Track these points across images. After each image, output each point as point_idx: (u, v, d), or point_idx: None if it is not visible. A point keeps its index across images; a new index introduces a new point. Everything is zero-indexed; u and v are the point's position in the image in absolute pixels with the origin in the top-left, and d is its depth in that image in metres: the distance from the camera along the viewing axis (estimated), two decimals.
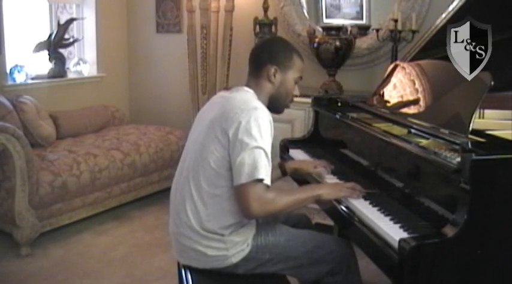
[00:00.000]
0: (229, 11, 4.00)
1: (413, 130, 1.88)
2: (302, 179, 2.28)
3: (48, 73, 4.20)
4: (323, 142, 2.61)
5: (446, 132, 1.73)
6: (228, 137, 1.73)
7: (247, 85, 1.93)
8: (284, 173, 2.22)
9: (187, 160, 1.88)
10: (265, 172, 1.69)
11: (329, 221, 2.98)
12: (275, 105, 1.95)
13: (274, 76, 1.90)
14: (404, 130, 1.92)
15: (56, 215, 3.30)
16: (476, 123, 1.73)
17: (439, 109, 1.97)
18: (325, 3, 3.87)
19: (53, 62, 4.20)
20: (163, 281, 2.82)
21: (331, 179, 2.10)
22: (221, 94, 1.96)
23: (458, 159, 1.48)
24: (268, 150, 1.73)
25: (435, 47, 2.27)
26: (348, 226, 1.85)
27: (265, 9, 3.79)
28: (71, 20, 4.31)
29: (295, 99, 2.02)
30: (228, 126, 1.73)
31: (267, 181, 1.71)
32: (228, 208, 1.79)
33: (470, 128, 1.69)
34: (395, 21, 3.20)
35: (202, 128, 1.84)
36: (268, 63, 1.90)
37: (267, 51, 1.93)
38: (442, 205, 1.59)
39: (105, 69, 4.67)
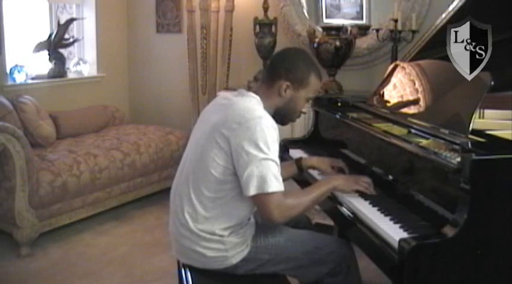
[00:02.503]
0: (229, 11, 4.00)
1: (413, 130, 1.88)
2: (302, 180, 2.28)
3: (48, 73, 4.20)
4: (323, 142, 2.61)
5: (446, 132, 1.73)
6: (230, 146, 1.71)
7: (257, 90, 1.90)
8: (300, 169, 2.19)
9: (188, 162, 1.88)
10: (276, 183, 1.68)
11: (329, 221, 2.98)
12: (280, 118, 1.92)
13: (285, 91, 1.87)
14: (404, 130, 1.92)
15: (56, 215, 3.30)
16: (476, 123, 1.73)
17: (439, 109, 1.97)
18: (325, 3, 3.87)
19: (53, 62, 4.20)
20: (163, 281, 2.82)
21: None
22: (226, 96, 1.91)
23: (458, 159, 1.48)
24: (276, 157, 1.72)
25: (435, 47, 2.27)
26: (348, 226, 1.85)
27: (265, 9, 3.79)
28: (71, 20, 4.31)
29: None
30: (231, 135, 1.71)
31: (281, 188, 1.70)
32: (228, 210, 1.79)
33: (470, 128, 1.69)
34: (396, 21, 3.20)
35: (204, 131, 1.83)
36: (283, 78, 1.86)
37: (286, 65, 1.87)
38: (442, 205, 1.59)
39: (105, 69, 4.67)
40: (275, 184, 1.68)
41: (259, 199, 1.70)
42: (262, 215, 1.76)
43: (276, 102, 1.89)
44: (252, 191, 1.67)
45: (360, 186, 1.89)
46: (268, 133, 1.70)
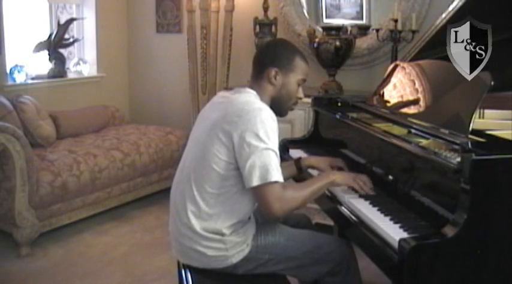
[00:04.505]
0: (229, 11, 4.00)
1: (413, 130, 1.88)
2: (301, 179, 2.28)
3: (48, 73, 4.20)
4: (323, 142, 2.61)
5: (446, 132, 1.73)
6: (233, 139, 1.72)
7: (251, 86, 1.92)
8: (300, 170, 2.19)
9: (188, 160, 1.88)
10: (277, 173, 1.70)
11: (329, 221, 2.98)
12: (278, 107, 1.93)
13: (275, 78, 1.89)
14: (404, 130, 1.92)
15: (56, 215, 3.30)
16: (476, 123, 1.73)
17: (439, 109, 1.97)
18: (325, 3, 3.86)
19: (53, 62, 4.20)
20: (163, 281, 2.82)
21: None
22: (223, 95, 1.94)
23: (458, 159, 1.48)
24: (277, 148, 1.74)
25: (435, 47, 2.27)
26: (348, 226, 1.85)
27: (265, 9, 3.79)
28: (71, 20, 4.31)
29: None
30: (232, 129, 1.72)
31: (281, 180, 1.71)
32: (230, 207, 1.80)
33: (470, 128, 1.69)
34: (396, 21, 3.20)
35: (204, 129, 1.84)
36: (270, 66, 1.89)
37: (269, 54, 1.92)
38: (442, 205, 1.59)
39: (105, 69, 4.67)
40: (276, 174, 1.69)
41: (261, 191, 1.70)
42: (262, 208, 1.76)
43: (269, 92, 1.91)
44: (255, 182, 1.68)
45: (356, 183, 1.89)
46: (268, 124, 1.72)
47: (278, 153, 1.74)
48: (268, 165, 1.68)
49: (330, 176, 1.90)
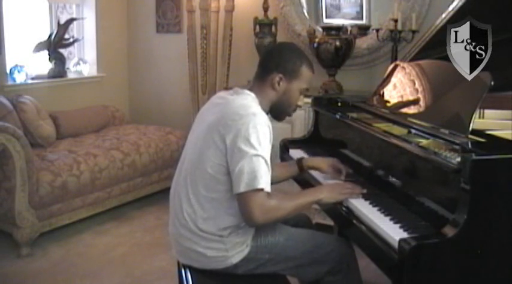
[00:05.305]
0: (229, 11, 4.00)
1: (413, 130, 1.88)
2: (304, 181, 2.28)
3: (48, 73, 4.20)
4: (323, 142, 2.61)
5: (446, 132, 1.73)
6: (226, 143, 1.72)
7: (251, 87, 1.91)
8: (301, 170, 2.19)
9: (186, 162, 1.88)
10: (265, 181, 1.69)
11: (329, 221, 2.98)
12: (276, 113, 1.94)
13: (279, 84, 1.88)
14: (404, 130, 1.92)
15: (56, 215, 3.30)
16: (476, 123, 1.73)
17: (439, 109, 1.97)
18: (325, 3, 3.87)
19: (53, 62, 4.20)
20: (163, 281, 2.82)
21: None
22: (221, 95, 1.94)
23: (458, 159, 1.48)
24: (268, 156, 1.72)
25: (435, 47, 2.27)
26: (348, 226, 1.85)
27: (265, 9, 3.79)
28: (71, 20, 4.31)
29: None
30: (226, 132, 1.72)
31: (268, 188, 1.70)
32: (225, 211, 1.79)
33: (470, 128, 1.69)
34: (396, 21, 3.20)
35: (201, 131, 1.84)
36: (275, 71, 1.87)
37: (276, 58, 1.89)
38: (442, 205, 1.59)
39: (105, 69, 4.67)
40: (263, 182, 1.68)
41: (245, 196, 1.68)
42: (242, 213, 1.73)
43: (270, 97, 1.90)
44: (242, 188, 1.67)
45: (345, 195, 1.87)
46: (261, 130, 1.71)
47: (268, 160, 1.73)
48: (256, 171, 1.67)
49: (317, 194, 1.88)
